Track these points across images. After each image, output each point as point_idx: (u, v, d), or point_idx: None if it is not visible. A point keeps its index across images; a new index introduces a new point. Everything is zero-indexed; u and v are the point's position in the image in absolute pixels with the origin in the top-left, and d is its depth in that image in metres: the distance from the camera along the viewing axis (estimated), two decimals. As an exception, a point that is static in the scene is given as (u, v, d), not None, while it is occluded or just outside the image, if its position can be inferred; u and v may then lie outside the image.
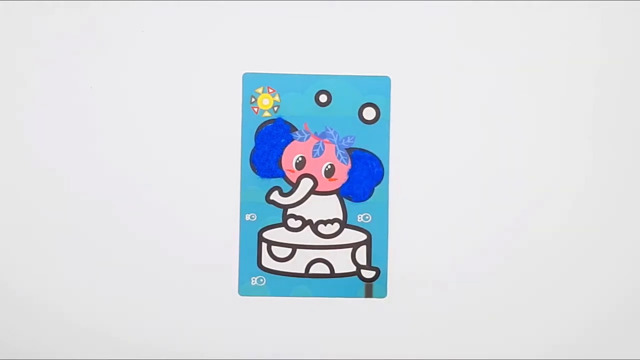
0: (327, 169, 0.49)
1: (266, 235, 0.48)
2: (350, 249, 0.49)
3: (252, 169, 0.48)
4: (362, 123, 0.48)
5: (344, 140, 0.48)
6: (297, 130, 0.48)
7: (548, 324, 0.49)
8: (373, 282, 0.49)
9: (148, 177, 0.48)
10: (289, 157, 0.48)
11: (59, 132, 0.48)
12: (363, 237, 0.49)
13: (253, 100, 0.48)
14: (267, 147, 0.48)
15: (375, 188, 0.49)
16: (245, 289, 0.49)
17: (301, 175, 0.48)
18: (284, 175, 0.48)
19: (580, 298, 0.49)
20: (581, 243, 0.49)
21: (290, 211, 0.48)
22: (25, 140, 0.48)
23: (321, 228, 0.49)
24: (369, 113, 0.48)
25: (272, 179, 0.48)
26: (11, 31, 0.48)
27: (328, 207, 0.49)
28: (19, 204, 0.48)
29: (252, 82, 0.48)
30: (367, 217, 0.49)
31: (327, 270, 0.49)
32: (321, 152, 0.48)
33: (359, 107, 0.48)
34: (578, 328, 0.49)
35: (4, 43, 0.48)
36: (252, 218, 0.48)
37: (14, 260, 0.48)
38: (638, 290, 0.49)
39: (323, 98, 0.48)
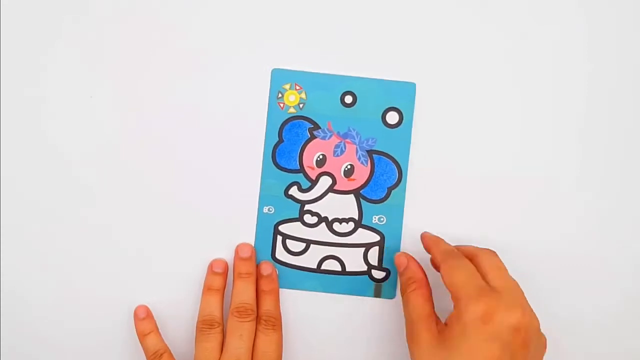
0: (346, 169, 0.49)
1: (282, 228, 0.49)
2: (363, 249, 0.50)
3: (274, 163, 0.49)
4: (384, 126, 0.49)
5: (365, 142, 0.49)
6: (320, 128, 0.49)
7: (552, 324, 0.49)
8: (383, 283, 0.50)
9: (169, 164, 0.49)
10: (310, 154, 0.49)
11: (78, 130, 0.49)
12: (376, 238, 0.50)
13: (280, 95, 0.49)
14: (289, 142, 0.49)
15: (392, 191, 0.49)
16: (257, 279, 0.50)
17: (321, 173, 0.49)
18: (304, 172, 0.49)
19: (582, 299, 0.50)
20: (587, 245, 0.50)
21: (307, 207, 0.49)
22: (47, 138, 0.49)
23: (336, 226, 0.49)
24: (392, 117, 0.49)
25: (292, 174, 0.49)
26: (14, 40, 0.49)
27: (345, 206, 0.49)
28: (35, 202, 0.50)
29: (280, 78, 0.49)
30: (382, 219, 0.49)
31: (338, 268, 0.50)
32: (342, 152, 0.49)
33: (382, 111, 0.49)
34: (580, 326, 0.50)
35: (6, 48, 0.49)
36: (270, 211, 0.49)
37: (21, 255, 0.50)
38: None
39: (348, 99, 0.49)
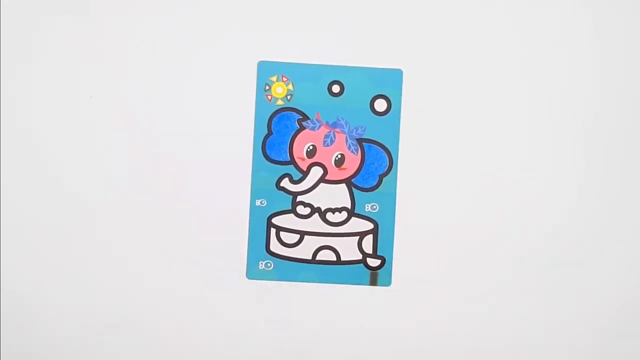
0: (337, 159, 0.49)
1: (275, 221, 0.49)
2: (357, 237, 0.50)
3: (264, 156, 0.49)
4: (373, 114, 0.49)
5: (354, 130, 0.49)
6: (309, 119, 0.49)
7: (550, 315, 0.50)
8: (378, 271, 0.50)
9: (160, 160, 0.49)
10: (300, 146, 0.49)
11: (77, 130, 0.49)
12: (370, 226, 0.50)
13: (267, 88, 0.49)
14: (279, 134, 0.49)
15: (384, 179, 0.49)
16: (252, 273, 0.50)
17: (311, 164, 0.49)
18: (294, 163, 0.49)
19: (583, 290, 0.50)
20: (586, 237, 0.50)
21: (299, 198, 0.49)
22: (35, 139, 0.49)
23: (329, 216, 0.50)
24: (381, 105, 0.49)
25: (283, 166, 0.49)
26: (14, 41, 0.49)
27: (337, 195, 0.49)
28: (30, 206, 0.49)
29: (266, 70, 0.49)
30: (374, 207, 0.50)
31: (333, 258, 0.50)
32: (332, 142, 0.49)
33: (370, 99, 0.49)
34: (579, 323, 0.50)
35: (6, 52, 0.49)
36: (262, 204, 0.49)
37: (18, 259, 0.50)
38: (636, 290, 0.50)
39: (336, 88, 0.49)
